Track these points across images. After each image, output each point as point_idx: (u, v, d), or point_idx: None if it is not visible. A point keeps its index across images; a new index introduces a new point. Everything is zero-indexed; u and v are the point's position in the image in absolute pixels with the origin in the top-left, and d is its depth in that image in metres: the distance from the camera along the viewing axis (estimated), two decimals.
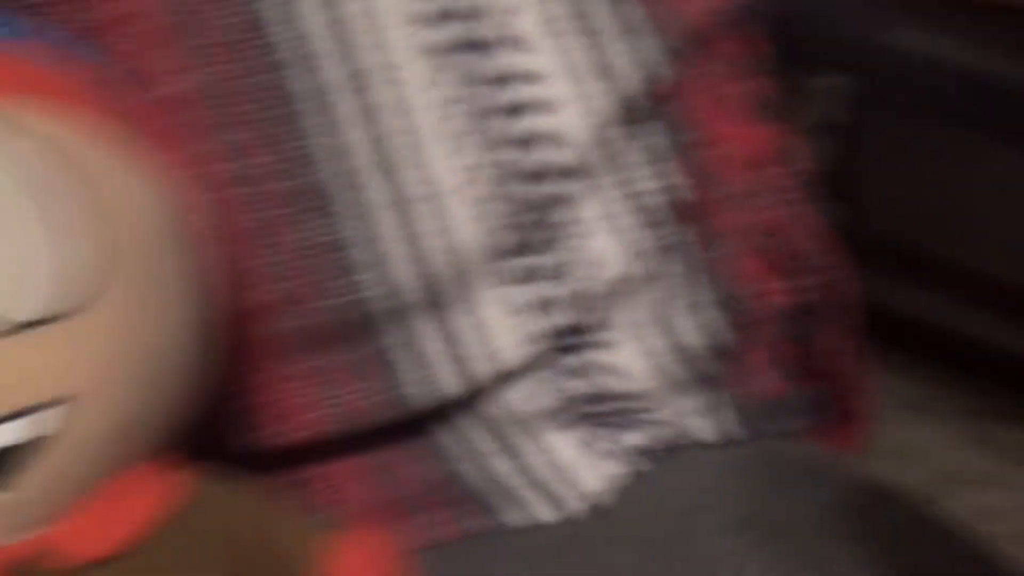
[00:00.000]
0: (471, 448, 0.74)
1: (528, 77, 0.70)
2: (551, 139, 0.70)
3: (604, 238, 0.72)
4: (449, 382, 0.71)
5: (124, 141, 0.54)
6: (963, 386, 1.01)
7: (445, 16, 0.69)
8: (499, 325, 0.72)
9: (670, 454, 0.75)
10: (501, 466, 0.74)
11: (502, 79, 0.70)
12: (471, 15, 0.70)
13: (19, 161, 0.49)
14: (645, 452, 0.74)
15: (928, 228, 1.01)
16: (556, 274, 0.72)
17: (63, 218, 0.49)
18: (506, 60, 0.70)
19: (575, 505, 0.72)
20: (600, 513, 0.72)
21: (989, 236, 0.90)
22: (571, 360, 0.74)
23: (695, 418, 0.75)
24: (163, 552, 0.52)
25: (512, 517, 0.72)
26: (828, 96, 0.77)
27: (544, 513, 0.72)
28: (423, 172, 0.69)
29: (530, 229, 0.71)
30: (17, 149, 0.49)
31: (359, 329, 0.70)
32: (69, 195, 0.49)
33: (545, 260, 0.72)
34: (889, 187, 1.36)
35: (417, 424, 0.74)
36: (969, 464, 0.92)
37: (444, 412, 0.74)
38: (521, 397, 0.74)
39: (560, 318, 0.72)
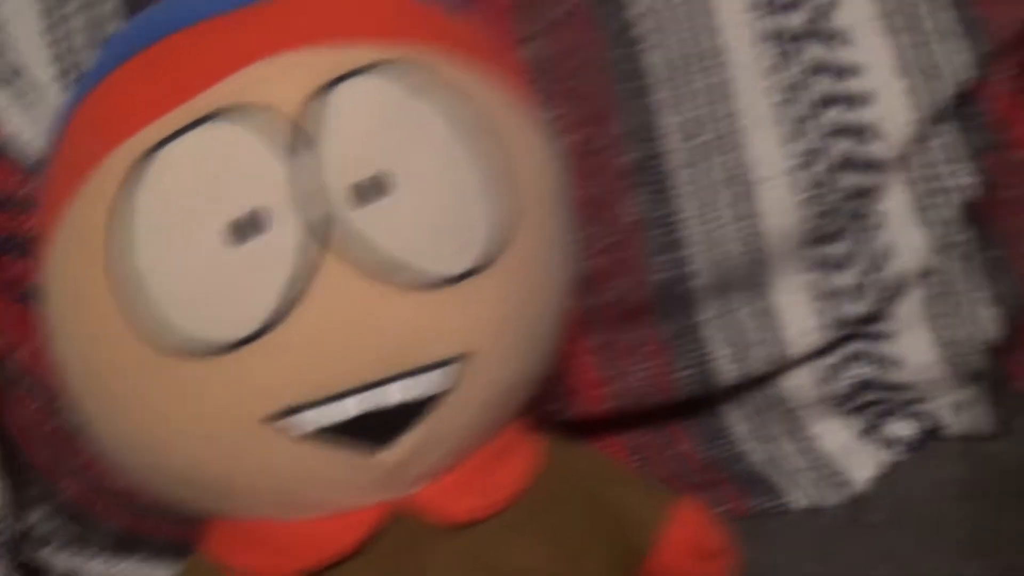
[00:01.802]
0: (757, 429, 0.75)
1: (851, 70, 0.71)
2: (869, 131, 0.71)
3: (902, 230, 0.73)
4: (742, 364, 0.73)
5: (524, 99, 0.54)
6: None
7: (785, 5, 0.71)
8: (795, 311, 0.73)
9: (929, 444, 0.77)
10: (785, 448, 0.75)
11: (828, 69, 0.71)
12: (803, 6, 0.71)
13: (451, 113, 0.48)
14: (911, 442, 0.76)
15: None
16: (853, 263, 0.73)
17: (490, 171, 0.48)
18: (833, 52, 0.71)
19: (852, 489, 0.74)
20: (872, 498, 0.74)
21: None
22: (855, 348, 0.76)
23: (958, 410, 0.77)
24: (531, 512, 0.52)
25: (795, 497, 0.73)
26: None
27: (825, 496, 0.73)
28: (748, 156, 0.70)
29: (838, 218, 0.72)
30: (449, 101, 0.48)
31: (677, 305, 0.71)
32: (489, 147, 0.49)
33: (845, 249, 0.73)
34: None
35: (707, 402, 0.75)
36: None
37: (733, 392, 0.75)
38: (807, 382, 0.75)
39: (853, 307, 0.73)
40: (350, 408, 0.46)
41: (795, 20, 0.71)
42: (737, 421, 0.76)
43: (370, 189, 0.46)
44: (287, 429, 0.46)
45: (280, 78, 0.47)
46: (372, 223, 0.46)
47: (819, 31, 0.71)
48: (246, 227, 0.45)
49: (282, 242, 0.45)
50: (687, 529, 0.56)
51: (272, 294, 0.45)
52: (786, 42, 0.71)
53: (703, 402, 0.76)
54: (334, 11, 0.50)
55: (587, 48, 0.69)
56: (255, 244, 0.45)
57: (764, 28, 0.70)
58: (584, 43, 0.69)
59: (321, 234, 0.45)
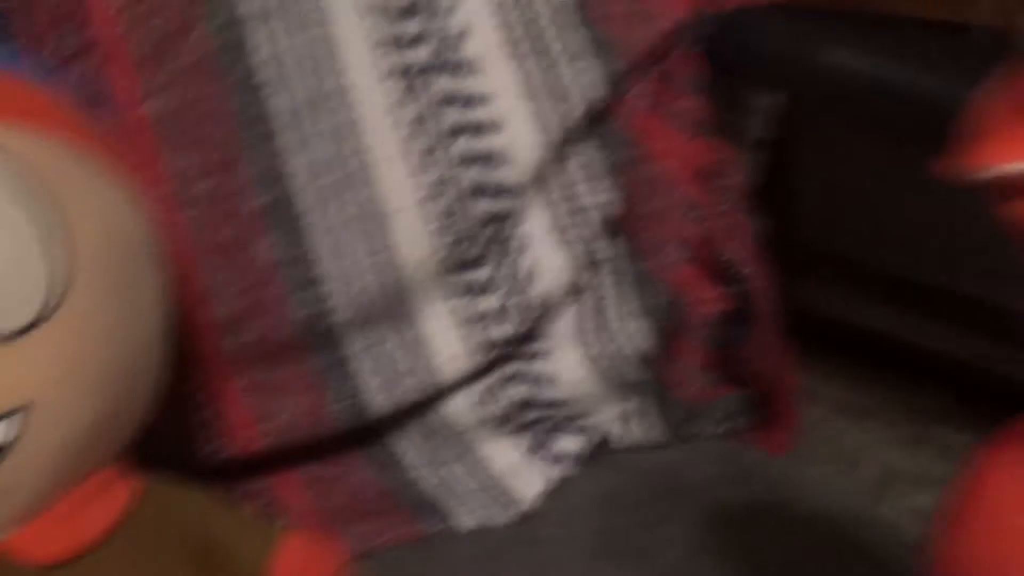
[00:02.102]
0: (425, 455, 0.76)
1: (479, 99, 0.72)
2: (498, 158, 0.72)
3: (543, 252, 0.75)
4: (394, 394, 0.74)
5: (93, 160, 0.55)
6: (898, 389, 1.04)
7: (410, 41, 0.72)
8: (443, 338, 0.74)
9: (601, 457, 0.78)
10: (456, 471, 0.76)
11: (456, 99, 0.72)
12: (428, 40, 0.72)
13: (7, 176, 0.49)
14: (579, 456, 0.77)
15: (861, 237, 1.05)
16: (496, 287, 0.74)
17: (47, 231, 0.49)
18: (460, 82, 0.72)
19: (520, 507, 0.75)
20: (540, 514, 0.75)
21: (918, 243, 0.94)
22: (510, 369, 0.77)
23: (624, 423, 0.78)
24: (121, 554, 0.53)
25: (464, 520, 0.74)
26: (762, 113, 0.80)
27: (493, 516, 0.74)
28: (379, 190, 0.71)
29: (475, 244, 0.73)
30: (4, 166, 0.49)
31: (323, 340, 0.72)
32: (47, 209, 0.50)
33: (487, 274, 0.74)
34: (821, 199, 1.41)
35: (374, 432, 0.76)
36: (908, 465, 0.95)
37: (398, 420, 0.76)
38: (467, 405, 0.76)
39: (500, 330, 0.75)
40: None
41: (421, 54, 0.72)
42: (407, 448, 0.77)
43: None
44: None
45: None
46: None
47: (446, 63, 0.72)
48: None
49: None
50: (294, 561, 0.56)
51: None
52: (413, 76, 0.72)
53: (373, 432, 0.77)
54: None
55: (212, 97, 0.70)
56: None
57: (390, 65, 0.71)
58: (209, 93, 0.70)
59: None
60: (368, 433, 0.76)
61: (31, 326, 0.48)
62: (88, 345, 0.51)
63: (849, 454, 0.97)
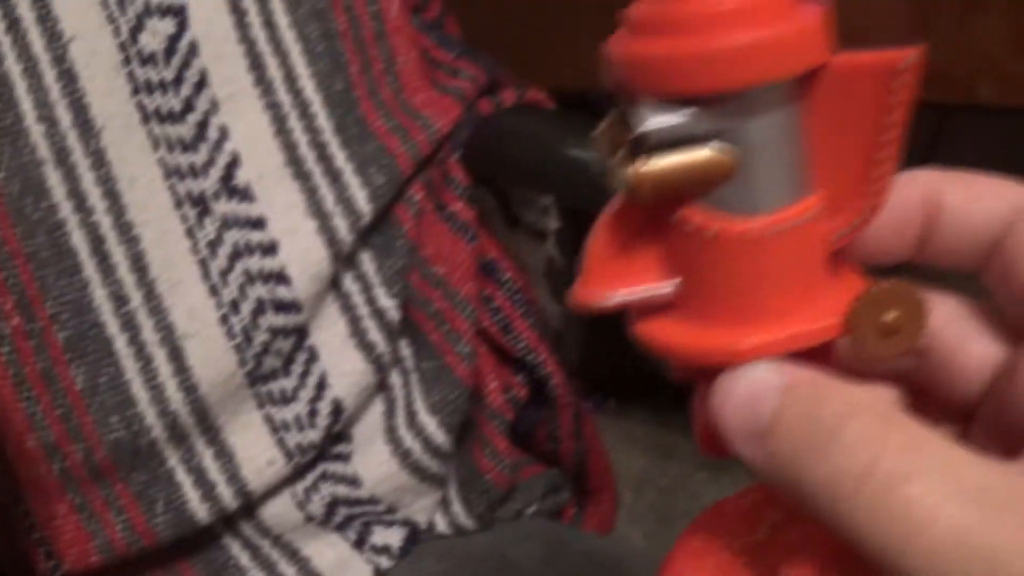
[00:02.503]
0: (258, 557, 0.80)
1: (260, 221, 0.76)
2: (277, 277, 0.76)
3: (334, 360, 0.79)
4: (222, 499, 0.78)
5: None
6: None
7: (201, 169, 0.76)
8: (247, 449, 0.78)
9: (425, 546, 0.82)
10: (286, 571, 0.80)
11: (236, 224, 0.76)
12: (212, 168, 0.76)
13: None
14: (402, 548, 0.81)
15: None
16: (297, 395, 0.78)
17: None
18: (239, 209, 0.76)
19: None
20: None
21: None
22: (321, 471, 0.80)
23: (442, 511, 0.82)
24: None
25: None
26: (537, 208, 0.84)
27: None
28: (185, 311, 0.75)
29: (273, 357, 0.77)
30: None
31: (140, 458, 0.76)
32: None
33: (288, 383, 0.78)
34: None
35: (209, 538, 0.80)
36: None
37: (231, 525, 0.80)
38: (287, 507, 0.80)
39: (305, 436, 0.78)
40: None
41: (207, 183, 0.76)
42: (240, 552, 0.80)
43: None
44: None
45: None
46: None
47: (228, 189, 0.76)
48: None
49: None
50: None
51: None
52: (201, 203, 0.76)
53: (209, 537, 0.80)
54: None
55: (10, 240, 0.73)
56: None
57: (180, 193, 0.75)
58: (7, 235, 0.73)
59: None
60: (205, 538, 0.80)
61: None
62: None
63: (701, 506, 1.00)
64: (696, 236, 0.32)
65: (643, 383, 1.61)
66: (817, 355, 0.32)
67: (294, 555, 0.81)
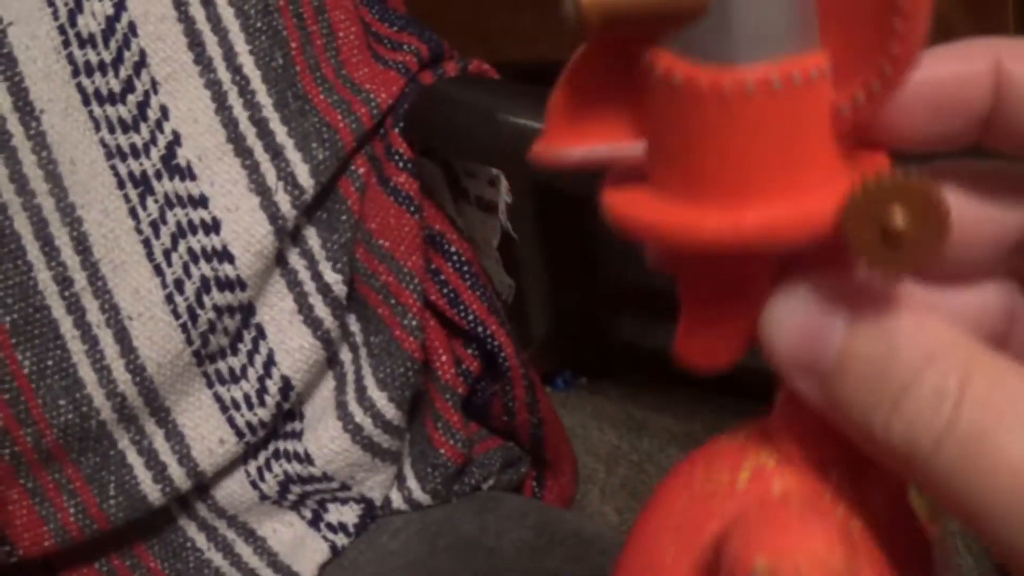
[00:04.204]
0: (213, 538, 0.80)
1: (202, 199, 0.76)
2: (226, 253, 0.76)
3: (282, 337, 0.78)
4: (175, 480, 0.77)
5: None
6: (733, 416, 1.07)
7: (143, 149, 0.76)
8: (199, 428, 0.78)
9: (380, 522, 0.81)
10: (242, 551, 0.79)
11: (179, 203, 0.76)
12: (153, 148, 0.76)
13: None
14: (358, 524, 0.80)
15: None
16: (246, 373, 0.78)
17: None
18: (180, 188, 0.76)
19: None
20: None
21: None
22: (273, 448, 0.80)
23: (396, 487, 0.82)
24: None
25: None
26: (484, 180, 0.83)
27: None
28: (114, 299, 0.75)
29: (220, 335, 0.77)
30: None
31: (89, 441, 0.76)
32: None
33: (236, 362, 0.78)
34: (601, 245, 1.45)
35: (165, 519, 0.80)
36: None
37: (185, 506, 0.80)
38: (241, 487, 0.80)
39: (255, 414, 0.78)
40: None
41: (148, 163, 0.76)
42: (194, 533, 0.80)
43: None
44: None
45: None
46: None
47: (170, 168, 0.76)
48: None
49: None
50: None
51: None
52: (143, 183, 0.76)
53: (161, 519, 0.80)
54: None
55: None
56: None
57: (122, 174, 0.75)
58: None
59: None
60: (160, 520, 0.80)
61: None
62: None
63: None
64: (663, 85, 0.26)
65: (612, 360, 1.62)
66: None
67: (250, 535, 0.81)
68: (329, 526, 0.80)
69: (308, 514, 0.81)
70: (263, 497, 0.80)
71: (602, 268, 1.59)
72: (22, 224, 0.74)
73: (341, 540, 0.80)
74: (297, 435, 0.80)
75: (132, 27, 0.75)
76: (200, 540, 0.80)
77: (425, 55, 0.82)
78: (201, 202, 0.76)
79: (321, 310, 0.78)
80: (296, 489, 0.80)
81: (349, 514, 0.81)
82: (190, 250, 0.76)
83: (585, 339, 1.63)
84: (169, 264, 0.76)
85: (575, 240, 1.58)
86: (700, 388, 1.28)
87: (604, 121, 0.27)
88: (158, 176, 0.76)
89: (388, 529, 0.81)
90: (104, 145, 0.75)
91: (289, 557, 0.80)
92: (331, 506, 0.81)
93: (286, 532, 0.81)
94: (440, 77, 0.81)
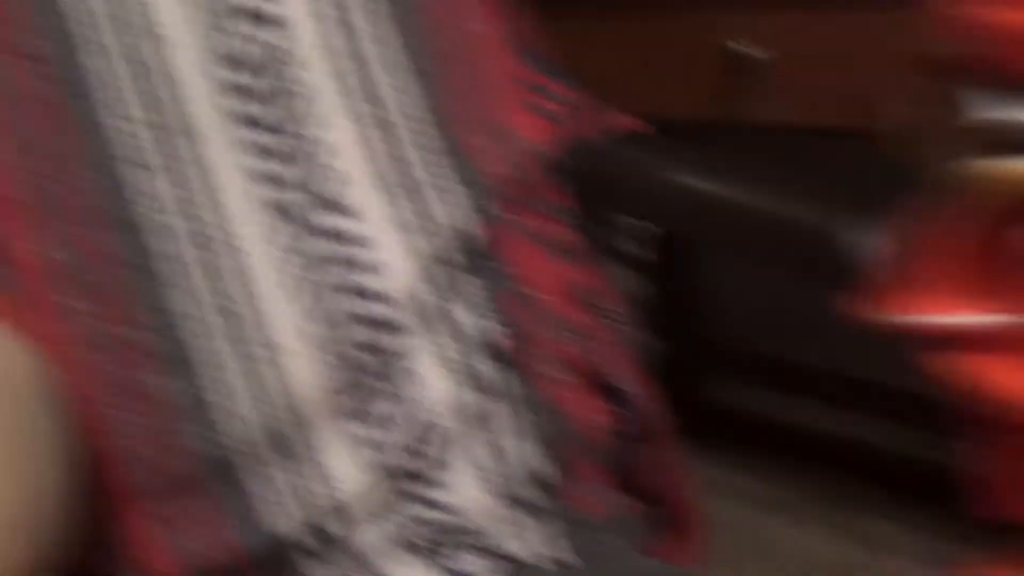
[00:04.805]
0: None
1: (358, 239, 0.75)
2: (380, 294, 0.75)
3: (432, 381, 0.77)
4: (295, 521, 0.75)
5: None
6: (816, 479, 1.04)
7: (286, 185, 0.75)
8: (341, 466, 0.76)
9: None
10: None
11: (336, 239, 0.75)
12: (304, 183, 0.75)
13: None
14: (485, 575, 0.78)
15: (759, 331, 1.07)
16: (390, 417, 0.76)
17: None
18: (339, 223, 0.75)
19: None
20: None
21: (818, 336, 0.96)
22: (411, 495, 0.78)
23: (530, 546, 0.79)
24: None
25: None
26: (637, 237, 0.83)
27: None
28: (270, 329, 0.74)
29: (366, 376, 0.75)
30: None
31: (218, 473, 0.74)
32: None
33: (380, 405, 0.76)
34: (718, 301, 1.44)
35: (288, 558, 0.77)
36: (830, 555, 0.94)
37: (309, 546, 0.77)
38: (373, 531, 0.77)
39: (395, 460, 0.76)
40: None
41: (298, 197, 0.75)
42: (325, 574, 0.78)
43: None
44: None
45: None
46: None
47: (327, 203, 0.75)
48: None
49: None
50: None
51: None
52: (293, 220, 0.75)
53: (288, 558, 0.77)
54: None
55: (104, 244, 0.72)
56: None
57: (271, 210, 0.75)
58: (101, 240, 0.72)
59: None
60: (283, 560, 0.77)
61: None
62: None
63: (767, 546, 0.97)
64: None
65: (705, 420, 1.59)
66: None
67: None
68: None
69: (445, 565, 0.79)
70: (400, 544, 0.78)
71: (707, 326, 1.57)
72: (163, 250, 0.73)
73: None
74: (442, 484, 0.78)
75: (288, 55, 0.75)
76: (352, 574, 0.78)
77: (575, 105, 0.81)
78: (357, 242, 0.75)
79: (472, 358, 0.76)
80: (435, 539, 0.78)
81: (481, 568, 0.78)
82: (347, 287, 0.75)
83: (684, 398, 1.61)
84: (327, 299, 0.74)
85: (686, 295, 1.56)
86: (795, 456, 1.26)
87: (956, 287, 0.27)
88: (313, 210, 0.75)
89: None
90: (257, 173, 0.74)
91: None
92: (470, 558, 0.79)
93: None
94: (597, 130, 0.80)
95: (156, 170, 0.73)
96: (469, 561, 0.78)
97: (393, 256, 0.75)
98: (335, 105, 0.76)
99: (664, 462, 0.82)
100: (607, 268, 0.84)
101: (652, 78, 1.17)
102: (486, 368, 0.77)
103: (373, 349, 0.75)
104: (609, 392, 0.81)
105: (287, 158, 0.75)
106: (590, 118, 0.81)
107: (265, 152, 0.75)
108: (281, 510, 0.75)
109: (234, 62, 0.75)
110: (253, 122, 0.75)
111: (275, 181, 0.75)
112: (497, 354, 0.77)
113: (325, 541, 0.78)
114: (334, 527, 0.77)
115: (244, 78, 0.75)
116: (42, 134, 0.73)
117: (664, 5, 1.20)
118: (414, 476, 0.77)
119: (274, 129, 0.75)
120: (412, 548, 0.78)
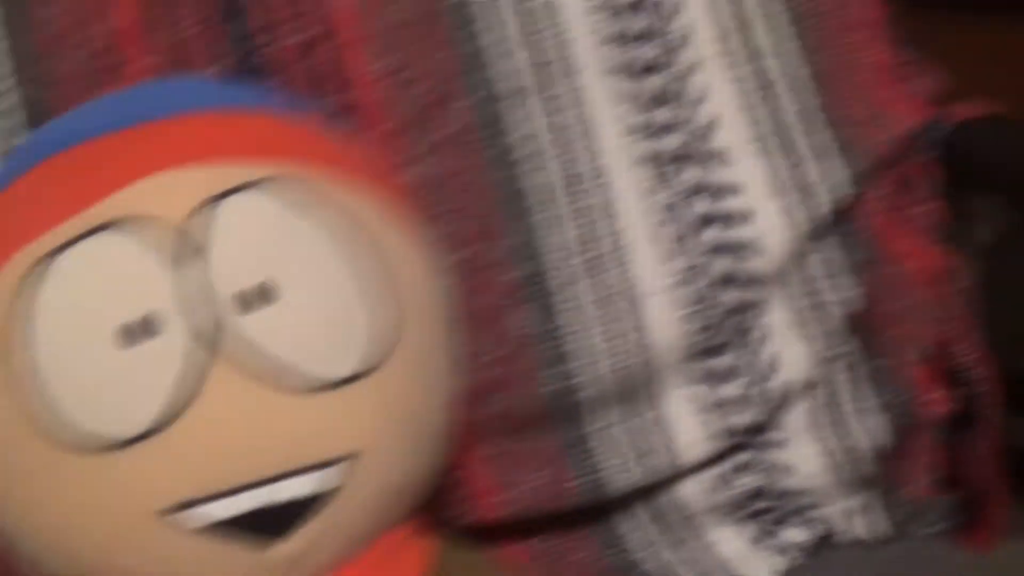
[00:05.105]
0: (648, 538, 0.77)
1: (729, 189, 0.75)
2: (747, 249, 0.74)
3: (785, 343, 0.76)
4: (633, 473, 0.75)
5: (403, 215, 0.57)
6: None
7: (660, 129, 0.74)
8: (683, 422, 0.76)
9: (824, 550, 0.79)
10: (680, 555, 0.77)
11: (706, 189, 0.75)
12: (678, 129, 0.75)
13: (331, 226, 0.51)
14: (803, 548, 0.78)
15: None
16: (738, 375, 0.76)
17: (370, 281, 0.51)
18: (711, 172, 0.75)
19: None
20: None
21: None
22: (744, 458, 0.78)
23: (850, 516, 0.79)
24: None
25: None
26: (986, 217, 0.82)
27: None
28: (631, 272, 0.73)
29: (720, 332, 0.75)
30: (328, 215, 0.51)
31: (567, 416, 0.74)
32: (369, 259, 0.52)
33: (730, 362, 0.76)
34: None
35: (599, 510, 0.77)
36: None
37: (625, 502, 0.77)
38: (698, 491, 0.77)
39: (739, 418, 0.76)
40: (242, 503, 0.49)
41: (672, 143, 0.74)
42: (632, 529, 0.78)
43: (255, 297, 0.49)
44: (182, 523, 0.49)
45: (168, 192, 0.51)
46: (258, 329, 0.49)
47: (696, 153, 0.75)
48: (136, 332, 0.48)
49: (170, 346, 0.48)
50: None
51: (162, 395, 0.48)
52: (664, 164, 0.74)
53: (600, 510, 0.78)
54: (218, 131, 0.55)
55: (470, 170, 0.72)
56: (145, 347, 0.48)
57: (642, 151, 0.74)
58: (467, 166, 0.72)
59: (208, 339, 0.48)
60: (593, 511, 0.77)
61: (357, 376, 0.50)
62: (411, 398, 0.53)
63: None
64: None
65: None
66: None
67: (699, 538, 0.78)
68: (782, 544, 0.78)
69: (762, 528, 0.79)
70: (722, 503, 0.78)
71: None
72: (549, 177, 0.73)
73: (793, 560, 0.78)
74: (776, 445, 0.78)
75: (678, 5, 0.75)
76: (636, 537, 0.78)
77: (937, 89, 0.82)
78: (730, 192, 0.74)
79: (830, 324, 0.76)
80: (756, 502, 0.78)
81: (804, 535, 0.78)
82: (713, 239, 0.75)
83: None
84: (690, 249, 0.74)
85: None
86: None
87: None
88: (687, 158, 0.75)
89: (842, 559, 0.78)
90: (633, 116, 0.75)
91: (732, 569, 0.78)
92: (789, 523, 0.79)
93: (734, 542, 0.78)
94: (969, 114, 0.80)
95: (533, 107, 0.73)
96: (792, 530, 0.78)
97: (764, 213, 0.74)
98: (713, 54, 0.76)
99: (990, 452, 0.81)
100: (965, 251, 0.84)
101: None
102: (836, 335, 0.77)
103: (733, 305, 0.74)
104: (954, 375, 0.81)
105: (662, 103, 0.75)
106: (957, 104, 0.81)
107: (640, 101, 0.75)
108: (618, 462, 0.75)
109: (614, 7, 0.76)
110: (628, 65, 0.75)
111: (649, 131, 0.74)
112: (852, 323, 0.77)
113: (653, 497, 0.78)
114: (664, 484, 0.78)
115: (620, 20, 0.75)
116: (423, 53, 0.73)
117: None
118: (753, 437, 0.77)
119: (652, 71, 0.75)
120: (738, 511, 0.78)
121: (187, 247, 0.49)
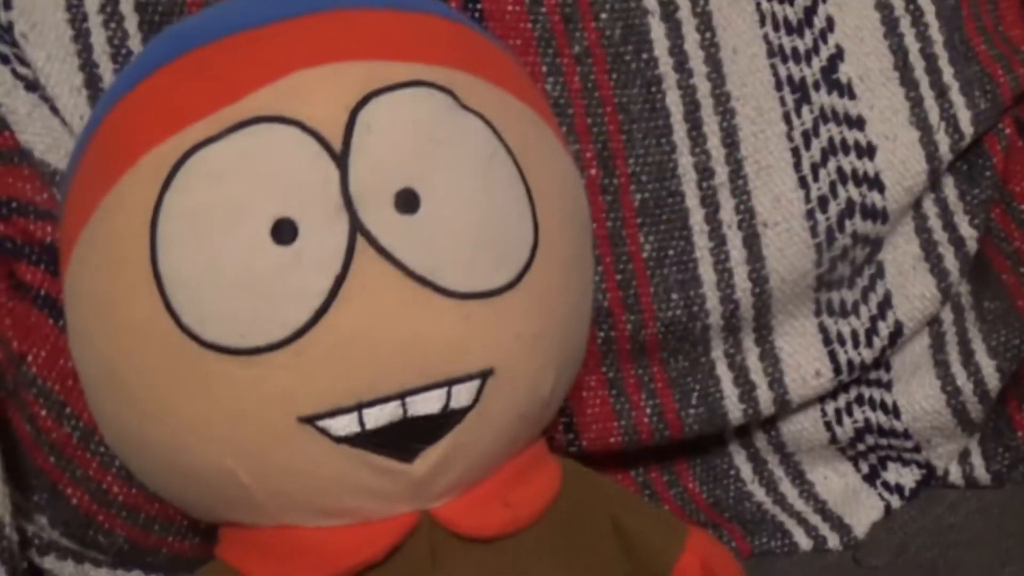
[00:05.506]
0: (762, 471, 0.76)
1: (861, 121, 0.72)
2: (877, 181, 0.72)
3: (908, 280, 0.74)
4: (744, 406, 0.73)
5: (551, 125, 0.55)
6: None
7: (806, 55, 0.72)
8: (805, 354, 0.74)
9: (932, 493, 0.78)
10: (789, 491, 0.76)
11: (832, 118, 0.73)
12: (814, 56, 0.73)
13: (486, 131, 0.49)
14: (913, 489, 0.77)
15: None
16: (859, 310, 0.74)
17: (522, 191, 0.49)
18: (843, 102, 0.72)
19: (853, 534, 0.74)
20: (872, 543, 0.74)
21: None
22: (857, 394, 0.76)
23: (960, 461, 0.78)
24: (551, 532, 0.52)
25: (798, 539, 0.74)
26: None
27: (827, 539, 0.74)
28: (768, 199, 0.71)
29: (845, 265, 0.73)
30: (479, 121, 0.49)
31: (687, 343, 0.72)
32: (521, 168, 0.49)
33: (852, 296, 0.74)
34: None
35: (714, 441, 0.75)
36: None
37: (739, 432, 0.76)
38: (810, 426, 0.76)
39: (857, 353, 0.74)
40: (381, 415, 0.46)
41: (808, 70, 0.72)
42: (742, 462, 0.77)
43: (406, 200, 0.46)
44: (321, 432, 0.46)
45: (321, 88, 0.47)
46: (407, 233, 0.46)
47: (831, 81, 0.72)
48: (286, 230, 0.45)
49: (320, 247, 0.45)
50: (701, 559, 0.56)
51: (310, 298, 0.45)
52: (801, 90, 0.72)
53: (710, 441, 0.76)
54: (373, 28, 0.51)
55: (604, 87, 0.70)
56: (294, 247, 0.45)
57: (781, 76, 0.72)
58: (601, 82, 0.70)
59: (358, 241, 0.45)
60: (709, 441, 0.76)
61: (502, 289, 0.48)
62: (552, 314, 0.50)
63: None
64: None
65: None
66: None
67: (799, 476, 0.77)
68: (885, 484, 0.77)
69: (866, 468, 0.77)
70: (831, 441, 0.76)
71: None
72: (674, 101, 0.71)
73: (895, 501, 0.76)
74: (885, 385, 0.76)
75: None
76: (746, 471, 0.77)
77: None
78: (858, 123, 0.72)
79: (949, 262, 0.74)
80: (869, 440, 0.76)
81: (908, 476, 0.77)
82: (839, 169, 0.72)
83: None
84: (816, 179, 0.72)
85: None
86: None
87: None
88: (816, 86, 0.72)
89: (943, 501, 0.77)
90: (767, 42, 0.72)
91: (840, 508, 0.76)
92: (892, 464, 0.77)
93: (838, 482, 0.77)
94: None
95: (685, 26, 0.71)
96: (895, 471, 0.77)
97: (896, 145, 0.73)
98: None
99: None
100: None
101: None
102: (960, 274, 0.75)
103: (856, 236, 0.72)
104: None
105: (794, 29, 0.73)
106: None
107: (772, 19, 0.73)
108: (728, 391, 0.73)
109: None
110: None
111: (780, 51, 0.73)
112: (959, 263, 0.75)
113: (749, 430, 0.77)
114: (773, 419, 0.76)
115: None
116: None
117: None
118: (862, 375, 0.76)
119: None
120: (843, 446, 0.77)
121: (340, 145, 0.46)
